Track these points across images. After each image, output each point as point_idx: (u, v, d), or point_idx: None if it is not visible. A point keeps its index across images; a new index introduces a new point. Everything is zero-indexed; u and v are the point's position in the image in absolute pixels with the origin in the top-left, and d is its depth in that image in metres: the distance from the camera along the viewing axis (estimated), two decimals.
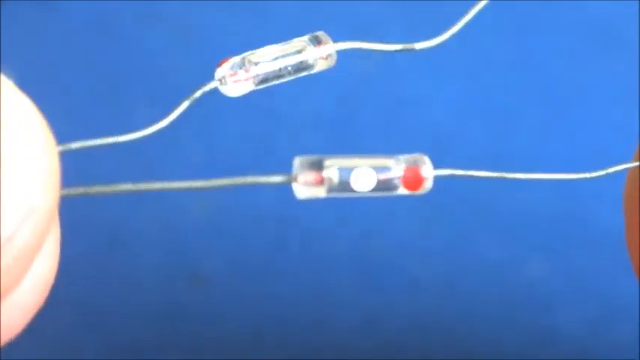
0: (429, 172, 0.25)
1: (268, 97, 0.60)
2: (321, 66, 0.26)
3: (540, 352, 0.56)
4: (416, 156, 0.25)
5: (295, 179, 0.23)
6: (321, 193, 0.24)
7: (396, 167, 0.25)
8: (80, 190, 0.24)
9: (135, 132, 0.26)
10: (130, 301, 0.57)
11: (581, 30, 0.64)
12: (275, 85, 0.27)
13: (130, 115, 0.61)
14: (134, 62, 0.63)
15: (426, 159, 0.25)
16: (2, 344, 0.23)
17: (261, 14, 0.64)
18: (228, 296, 0.57)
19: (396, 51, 0.26)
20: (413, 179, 0.25)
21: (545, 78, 0.63)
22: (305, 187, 0.24)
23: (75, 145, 0.25)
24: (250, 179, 0.24)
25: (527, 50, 0.64)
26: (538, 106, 0.62)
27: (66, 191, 0.24)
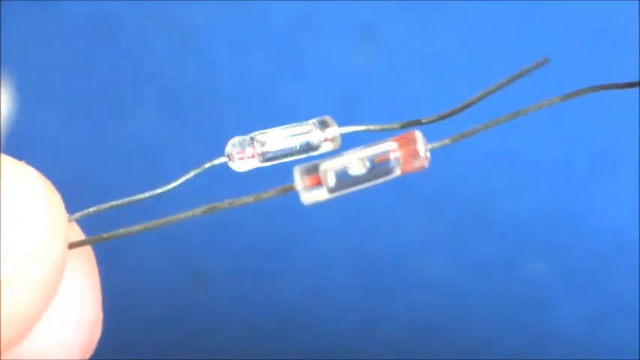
0: (422, 146, 0.25)
1: (268, 97, 0.60)
2: (326, 147, 0.27)
3: (540, 352, 0.56)
4: (407, 134, 0.25)
5: (294, 187, 0.24)
6: (323, 194, 0.25)
7: (389, 148, 0.25)
8: (93, 238, 0.25)
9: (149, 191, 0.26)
10: (132, 302, 0.57)
11: (581, 30, 0.64)
12: (275, 85, 0.28)
13: (130, 115, 0.61)
14: (134, 62, 0.63)
15: (418, 135, 0.25)
16: None
17: (261, 14, 0.64)
18: (230, 297, 0.57)
19: (400, 128, 0.27)
20: (408, 156, 0.25)
21: (545, 78, 0.63)
22: (306, 191, 0.24)
23: (92, 209, 0.25)
24: (253, 198, 0.25)
25: (527, 50, 0.64)
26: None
27: (88, 239, 0.25)
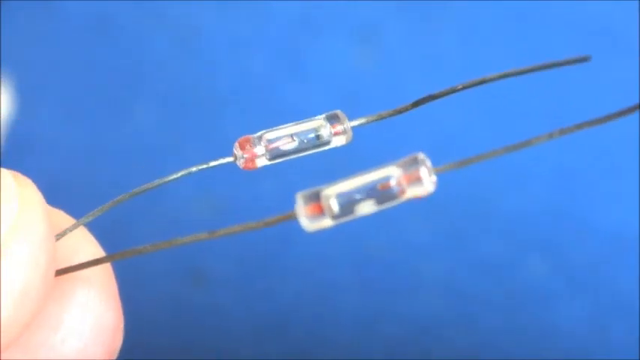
0: (427, 174, 0.24)
1: (268, 97, 0.60)
2: (338, 142, 0.26)
3: (540, 351, 0.56)
4: (411, 158, 0.24)
5: (296, 215, 0.24)
6: (327, 223, 0.24)
7: (395, 176, 0.24)
8: (113, 256, 0.25)
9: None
10: (133, 301, 0.57)
11: (581, 30, 0.64)
12: (275, 85, 0.28)
13: (130, 115, 0.61)
14: (134, 62, 0.63)
15: (423, 160, 0.24)
16: None
17: (261, 14, 0.64)
18: (229, 296, 0.57)
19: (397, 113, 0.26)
20: (411, 181, 0.24)
21: (545, 78, 0.63)
22: (309, 220, 0.24)
23: (96, 211, 0.26)
24: (259, 223, 0.24)
25: (527, 50, 0.64)
26: (538, 106, 0.62)
27: (104, 257, 0.25)
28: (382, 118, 0.27)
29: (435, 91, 0.25)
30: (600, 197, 0.59)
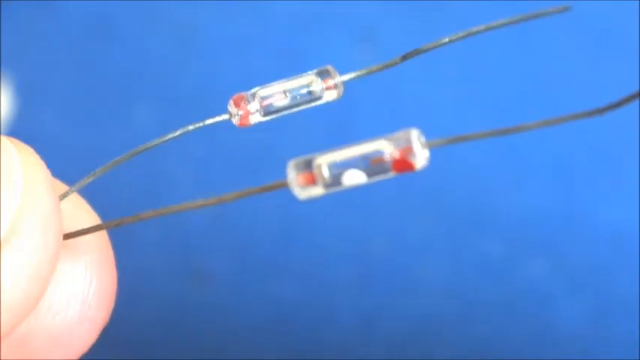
0: (418, 147, 0.24)
1: None
2: (329, 97, 0.27)
3: (541, 351, 0.56)
4: (403, 133, 0.24)
5: (290, 183, 0.24)
6: (318, 191, 0.24)
7: (387, 149, 0.24)
8: (114, 222, 0.26)
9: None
10: (134, 300, 0.57)
11: (581, 30, 0.64)
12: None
13: (130, 115, 0.61)
14: (134, 62, 0.63)
15: (414, 135, 0.24)
16: (80, 354, 0.26)
17: (261, 14, 0.64)
18: (230, 294, 0.57)
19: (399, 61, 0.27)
20: (403, 161, 0.24)
21: (545, 77, 0.63)
22: (301, 188, 0.24)
23: (89, 177, 0.26)
24: (255, 189, 0.25)
25: (527, 50, 0.64)
26: (538, 106, 0.62)
27: (104, 224, 0.26)
28: (372, 72, 0.28)
29: (423, 47, 0.25)
30: (601, 197, 0.59)
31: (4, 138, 0.25)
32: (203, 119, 0.27)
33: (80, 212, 0.27)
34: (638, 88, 0.62)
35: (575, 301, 0.57)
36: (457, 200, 0.59)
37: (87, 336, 0.27)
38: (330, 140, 0.61)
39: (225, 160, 0.61)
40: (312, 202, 0.25)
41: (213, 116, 0.28)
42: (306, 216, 0.59)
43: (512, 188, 0.59)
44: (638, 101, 0.26)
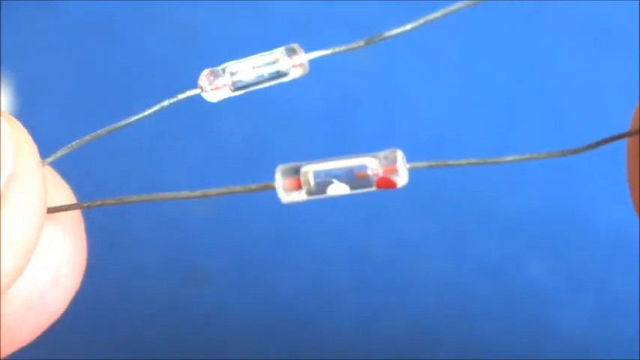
0: (402, 167, 0.26)
1: (266, 95, 0.60)
2: (294, 74, 0.29)
3: (540, 351, 0.56)
4: (388, 153, 0.26)
5: (274, 186, 0.26)
6: (301, 196, 0.26)
7: (372, 166, 0.26)
8: (98, 202, 0.27)
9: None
10: (132, 300, 0.57)
11: (581, 30, 0.64)
12: (275, 85, 0.29)
13: (130, 115, 0.61)
14: (134, 62, 0.63)
15: (399, 155, 0.26)
16: (52, 320, 0.28)
17: (261, 14, 0.64)
18: (229, 294, 0.57)
19: (363, 45, 0.29)
20: (385, 178, 0.26)
21: (545, 77, 0.63)
22: (285, 192, 0.26)
23: (64, 149, 0.27)
24: (238, 188, 0.27)
25: (527, 50, 0.64)
26: (538, 106, 0.62)
27: (87, 203, 0.28)
28: (336, 52, 0.30)
29: (386, 31, 0.28)
30: (601, 197, 0.59)
31: None
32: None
33: (50, 181, 0.29)
34: (638, 88, 0.62)
35: (575, 301, 0.57)
36: (457, 200, 0.59)
37: (59, 301, 0.28)
38: (329, 142, 0.61)
39: (220, 162, 0.61)
40: (313, 202, 0.27)
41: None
42: (306, 216, 0.59)
43: (511, 188, 0.59)
44: (631, 112, 0.27)
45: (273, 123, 0.61)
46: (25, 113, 0.61)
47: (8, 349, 0.27)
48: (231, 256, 0.58)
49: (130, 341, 0.56)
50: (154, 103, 0.28)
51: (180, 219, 0.58)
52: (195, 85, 0.29)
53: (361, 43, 0.29)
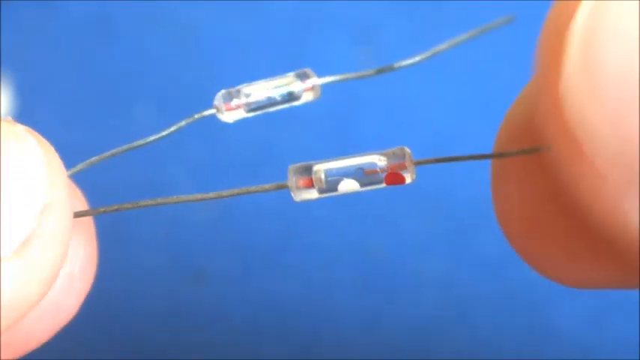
0: (410, 164, 0.27)
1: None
2: (307, 97, 0.30)
3: (540, 352, 0.56)
4: (396, 149, 0.27)
5: (288, 185, 0.27)
6: (313, 195, 0.27)
7: (380, 163, 0.27)
8: (114, 207, 0.28)
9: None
10: (133, 300, 0.57)
11: None
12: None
13: (130, 115, 0.61)
14: (134, 62, 0.63)
15: (407, 152, 0.27)
16: (65, 323, 0.28)
17: (261, 14, 0.64)
18: (230, 294, 0.57)
19: (375, 74, 0.30)
20: (395, 174, 0.27)
21: None
22: (299, 190, 0.27)
23: (83, 165, 0.28)
24: (252, 189, 0.27)
25: (527, 50, 0.64)
26: None
27: (102, 209, 0.28)
28: (347, 79, 0.30)
29: (395, 63, 0.30)
30: None
31: (23, 131, 0.26)
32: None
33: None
34: None
35: (575, 301, 0.57)
36: (457, 200, 0.59)
37: (72, 305, 0.28)
38: (330, 143, 0.61)
39: (225, 165, 0.61)
40: (313, 202, 0.27)
41: (216, 117, 0.29)
42: (307, 216, 0.59)
43: None
44: None
45: (276, 124, 0.61)
46: (25, 113, 0.61)
47: (21, 353, 0.27)
48: (232, 257, 0.58)
49: (131, 341, 0.56)
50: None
51: (181, 220, 0.59)
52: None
53: (371, 72, 0.30)
